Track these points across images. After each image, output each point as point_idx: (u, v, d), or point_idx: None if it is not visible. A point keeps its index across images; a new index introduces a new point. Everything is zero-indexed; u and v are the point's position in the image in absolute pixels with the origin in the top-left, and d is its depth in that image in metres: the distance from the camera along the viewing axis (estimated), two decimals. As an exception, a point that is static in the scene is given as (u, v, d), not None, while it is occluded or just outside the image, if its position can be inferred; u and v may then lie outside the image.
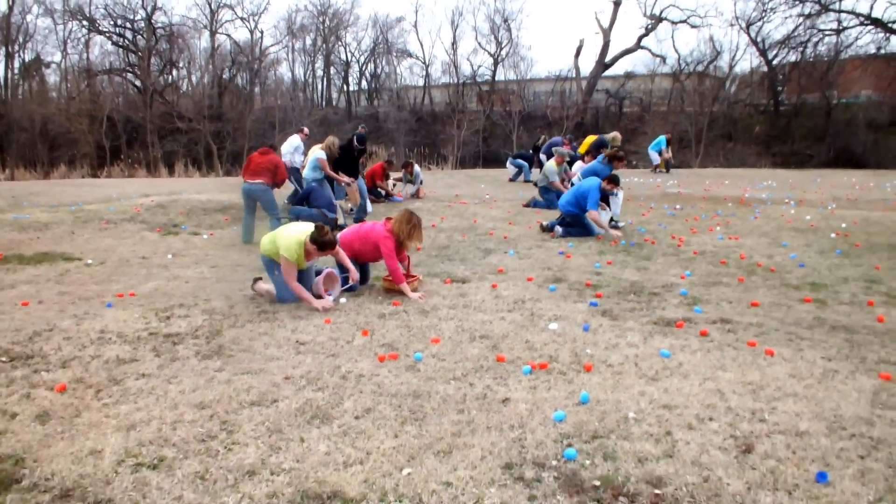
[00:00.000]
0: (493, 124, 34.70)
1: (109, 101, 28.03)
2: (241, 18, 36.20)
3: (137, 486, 2.32)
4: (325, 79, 40.77)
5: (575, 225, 8.04)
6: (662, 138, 17.36)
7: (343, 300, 4.94)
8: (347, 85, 40.37)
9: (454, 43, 39.25)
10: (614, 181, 8.23)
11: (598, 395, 3.14)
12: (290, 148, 11.26)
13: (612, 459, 2.52)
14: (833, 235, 7.89)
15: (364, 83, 40.48)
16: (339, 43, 38.85)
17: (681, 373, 3.45)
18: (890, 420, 2.88)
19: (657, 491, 2.30)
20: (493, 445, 2.63)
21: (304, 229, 4.80)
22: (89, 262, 6.40)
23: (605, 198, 8.17)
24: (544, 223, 8.43)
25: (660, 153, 17.22)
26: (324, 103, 39.33)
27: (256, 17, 35.11)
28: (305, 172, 9.63)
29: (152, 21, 31.00)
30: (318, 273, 5.11)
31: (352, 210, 9.92)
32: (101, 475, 2.39)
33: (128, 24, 31.27)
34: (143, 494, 2.27)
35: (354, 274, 5.10)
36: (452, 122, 32.03)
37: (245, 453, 2.56)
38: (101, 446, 2.60)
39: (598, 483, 2.35)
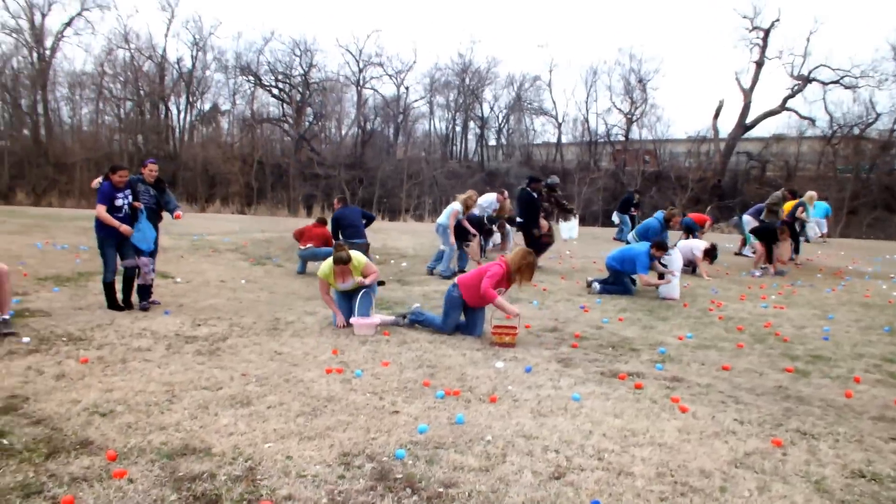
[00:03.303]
0: (622, 184, 34.39)
1: (261, 146, 32.31)
2: (389, 75, 39.88)
3: (84, 424, 3.25)
4: (463, 134, 43.24)
5: (616, 283, 8.21)
6: (825, 205, 15.81)
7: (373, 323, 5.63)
8: (483, 140, 42.43)
9: (587, 101, 39.80)
10: (662, 248, 8.28)
11: (476, 420, 3.58)
12: (485, 202, 11.40)
13: (431, 464, 2.99)
14: (901, 313, 7.32)
15: (503, 139, 42.30)
16: (477, 101, 41.12)
17: (572, 414, 3.75)
18: (730, 475, 3.02)
19: (445, 490, 2.75)
20: (349, 440, 3.22)
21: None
22: (178, 280, 7.87)
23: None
24: (589, 279, 8.65)
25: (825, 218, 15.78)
26: (460, 157, 41.58)
27: (403, 75, 38.41)
28: (441, 219, 9.58)
29: (307, 77, 35.42)
30: (414, 317, 5.93)
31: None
32: (66, 414, 3.37)
33: (287, 80, 35.99)
34: (84, 429, 3.19)
35: (340, 318, 5.75)
36: (575, 179, 32.33)
37: (169, 417, 3.40)
38: (81, 398, 3.59)
39: (399, 476, 2.85)
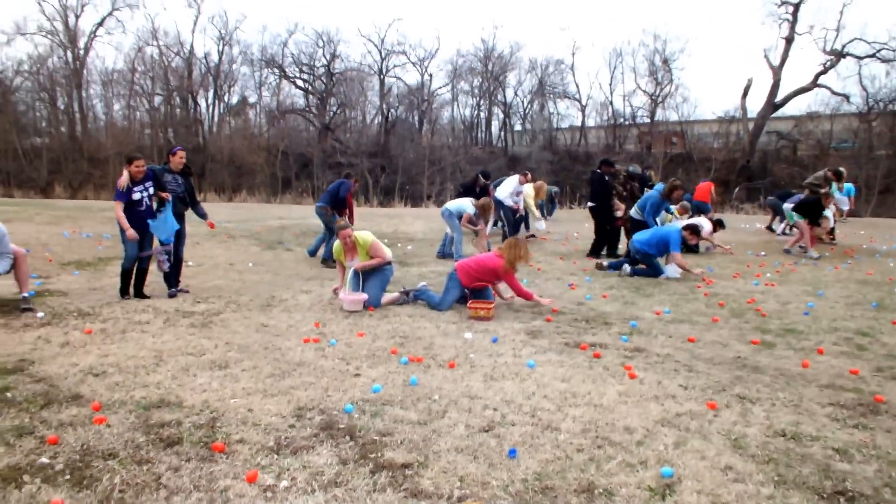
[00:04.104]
0: (647, 167, 33.98)
1: (285, 137, 33.05)
2: (412, 63, 40.12)
3: (78, 382, 3.68)
4: (487, 119, 43.26)
5: (646, 265, 8.12)
6: (848, 184, 15.33)
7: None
8: (507, 125, 42.38)
9: (611, 83, 39.37)
10: (695, 231, 8.33)
11: (429, 383, 3.89)
12: (510, 188, 11.31)
13: (375, 417, 3.32)
14: (896, 289, 7.33)
15: (527, 124, 42.18)
16: (500, 86, 41.04)
17: (521, 378, 4.03)
18: (652, 432, 3.26)
19: (381, 438, 3.08)
20: (307, 397, 3.57)
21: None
22: (189, 263, 8.35)
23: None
24: (604, 263, 8.69)
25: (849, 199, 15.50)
26: (484, 143, 41.64)
27: (426, 62, 38.64)
28: (450, 206, 9.78)
29: (331, 67, 35.95)
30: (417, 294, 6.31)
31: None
32: (64, 374, 3.81)
33: (310, 71, 36.61)
34: (78, 386, 3.62)
35: (347, 294, 6.00)
36: (596, 162, 32.11)
37: (153, 377, 3.81)
38: (79, 362, 4.04)
39: (343, 426, 3.19)
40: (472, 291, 6.07)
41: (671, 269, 8.09)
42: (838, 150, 31.30)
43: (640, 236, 8.19)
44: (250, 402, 3.47)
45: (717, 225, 11.24)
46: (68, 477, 2.60)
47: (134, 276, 6.30)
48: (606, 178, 9.88)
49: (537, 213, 12.44)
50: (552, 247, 10.87)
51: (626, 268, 8.20)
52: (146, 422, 3.18)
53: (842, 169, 13.06)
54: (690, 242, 8.10)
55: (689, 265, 8.03)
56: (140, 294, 6.30)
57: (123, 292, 6.27)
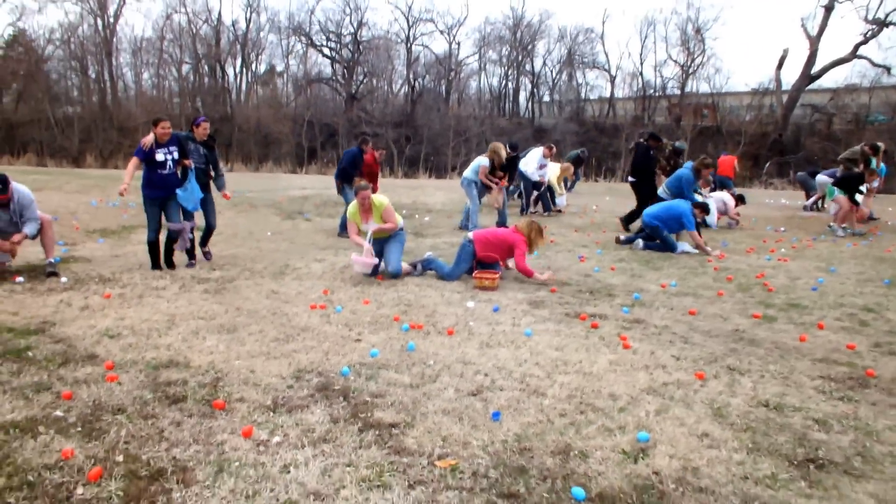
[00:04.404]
0: (676, 139, 33.34)
1: (311, 106, 33.16)
2: (441, 31, 39.62)
3: (94, 343, 3.92)
4: (515, 90, 42.74)
5: (657, 239, 8.11)
6: (883, 166, 15.05)
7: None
8: (534, 96, 41.83)
9: (642, 53, 38.42)
10: (705, 209, 8.28)
11: (426, 349, 4.03)
12: (533, 159, 11.32)
13: (370, 379, 3.48)
14: (916, 267, 7.20)
15: (556, 94, 41.55)
16: (528, 57, 40.39)
17: (517, 346, 4.15)
18: (636, 399, 3.36)
19: (372, 399, 3.24)
20: (307, 359, 3.75)
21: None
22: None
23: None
24: (622, 237, 8.71)
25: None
26: (511, 114, 41.26)
27: (454, 30, 38.22)
28: (467, 173, 9.83)
29: (358, 36, 35.80)
30: (426, 263, 6.39)
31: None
32: (83, 336, 4.06)
33: (338, 39, 36.51)
34: (94, 347, 3.86)
35: (367, 247, 6.03)
36: (622, 135, 31.63)
37: (164, 340, 4.04)
38: (97, 324, 4.28)
39: (338, 387, 3.36)
40: (478, 262, 6.17)
41: (684, 244, 8.06)
42: (874, 125, 30.19)
43: (651, 210, 8.16)
44: (253, 364, 3.66)
45: (739, 200, 11.11)
46: (80, 429, 2.82)
47: (165, 246, 6.25)
48: (651, 151, 9.73)
49: (560, 188, 12.39)
50: (568, 219, 10.88)
51: (640, 242, 8.20)
52: (154, 380, 3.40)
53: (880, 144, 12.65)
54: (698, 219, 8.04)
55: (703, 242, 7.98)
56: (169, 263, 6.27)
57: (155, 265, 6.17)
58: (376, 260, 6.07)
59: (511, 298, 5.43)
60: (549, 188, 11.70)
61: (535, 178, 11.08)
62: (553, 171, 11.77)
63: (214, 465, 2.55)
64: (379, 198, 6.25)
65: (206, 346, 3.96)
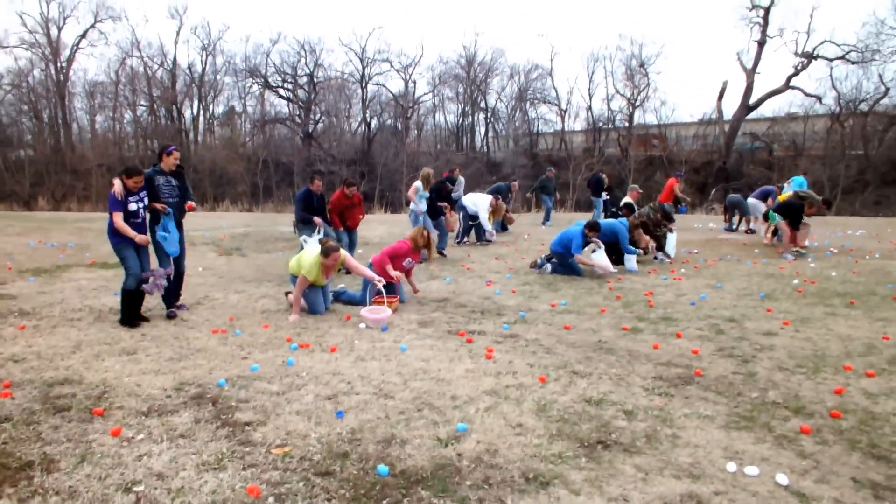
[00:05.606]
0: (629, 170, 34.72)
1: (267, 145, 33.82)
2: (396, 70, 40.91)
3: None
4: (471, 125, 44.06)
5: (562, 265, 8.79)
6: (801, 179, 14.78)
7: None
8: (492, 131, 43.22)
9: (590, 87, 40.19)
10: (595, 229, 8.96)
11: (305, 364, 4.50)
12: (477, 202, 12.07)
13: (242, 389, 3.95)
14: (794, 282, 7.87)
15: (510, 129, 42.93)
16: (481, 94, 41.81)
17: (388, 359, 4.64)
18: (473, 399, 3.88)
19: (237, 404, 3.70)
20: (191, 374, 4.18)
21: (317, 251, 6.02)
22: (200, 269, 8.92)
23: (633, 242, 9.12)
24: (539, 261, 9.25)
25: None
26: (467, 149, 42.43)
27: (410, 69, 39.47)
28: (412, 206, 10.46)
29: (314, 77, 36.75)
30: (336, 295, 6.73)
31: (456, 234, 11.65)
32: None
33: (293, 80, 37.43)
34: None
35: (375, 278, 6.04)
36: (570, 167, 32.89)
37: (66, 362, 4.43)
38: (4, 351, 4.66)
39: (210, 396, 3.81)
40: (386, 286, 6.65)
41: (630, 263, 8.90)
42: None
43: (555, 238, 8.95)
44: (140, 379, 4.10)
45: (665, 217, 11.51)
46: (-35, 436, 3.22)
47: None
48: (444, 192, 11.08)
49: (488, 226, 13.14)
50: (494, 248, 11.48)
51: (548, 266, 8.84)
52: (47, 395, 3.81)
53: (817, 197, 13.14)
54: (591, 239, 8.69)
55: (590, 261, 8.67)
56: (139, 316, 5.74)
57: (131, 317, 5.61)
58: (389, 312, 5.80)
59: (404, 319, 5.95)
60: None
61: (471, 210, 11.99)
62: (484, 208, 12.49)
63: (78, 457, 2.98)
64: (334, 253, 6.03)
65: (104, 366, 4.37)
